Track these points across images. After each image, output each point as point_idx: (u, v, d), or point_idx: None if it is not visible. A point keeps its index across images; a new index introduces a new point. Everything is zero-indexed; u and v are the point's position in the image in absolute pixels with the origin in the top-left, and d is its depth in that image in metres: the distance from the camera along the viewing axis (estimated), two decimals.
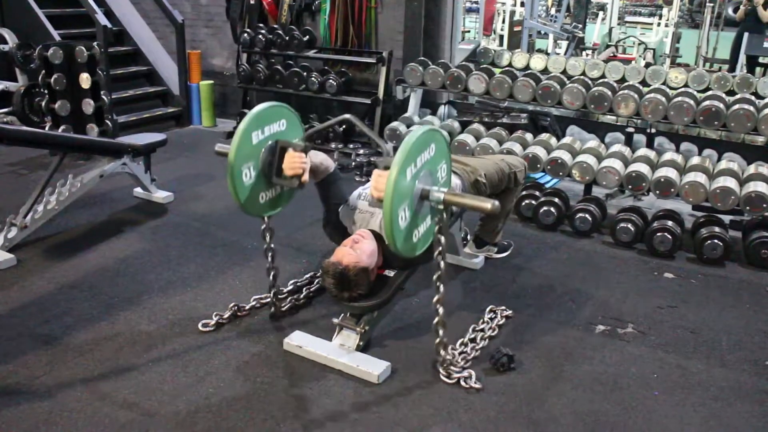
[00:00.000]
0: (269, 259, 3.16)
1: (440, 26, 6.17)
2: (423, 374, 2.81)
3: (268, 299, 3.25)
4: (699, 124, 4.50)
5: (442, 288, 2.67)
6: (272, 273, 3.18)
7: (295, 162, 2.85)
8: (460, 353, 2.91)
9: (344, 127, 6.23)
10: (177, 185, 5.07)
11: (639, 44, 11.51)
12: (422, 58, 5.74)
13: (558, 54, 10.10)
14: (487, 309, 3.31)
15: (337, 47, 6.48)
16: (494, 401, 2.66)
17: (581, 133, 5.37)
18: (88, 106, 5.34)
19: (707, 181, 4.19)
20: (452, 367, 2.78)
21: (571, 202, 4.61)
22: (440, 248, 2.63)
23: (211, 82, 7.15)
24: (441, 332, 2.72)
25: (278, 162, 2.87)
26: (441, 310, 2.70)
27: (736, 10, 10.15)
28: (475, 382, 2.73)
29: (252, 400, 2.62)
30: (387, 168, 2.39)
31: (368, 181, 3.25)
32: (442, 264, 2.64)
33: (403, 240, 2.47)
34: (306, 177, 2.88)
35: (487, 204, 2.49)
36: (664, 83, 5.24)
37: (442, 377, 2.76)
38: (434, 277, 2.66)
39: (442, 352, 2.75)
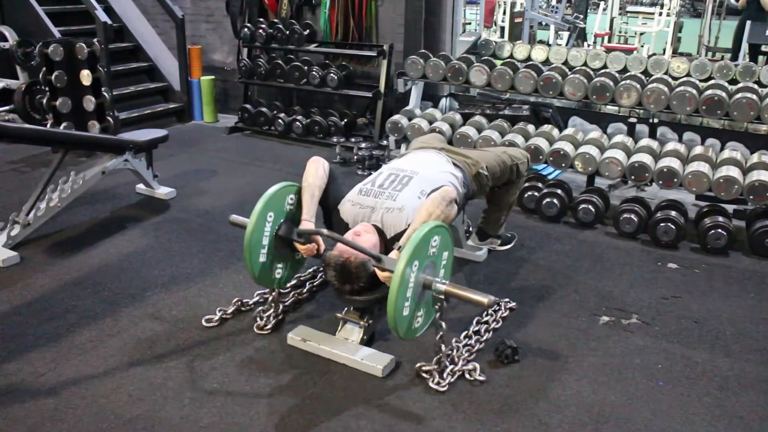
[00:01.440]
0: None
1: (441, 18, 6.16)
2: (427, 367, 2.80)
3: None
4: (701, 114, 4.48)
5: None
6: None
7: (308, 251, 3.00)
8: (464, 345, 2.91)
9: (346, 120, 6.22)
10: (179, 181, 5.07)
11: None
12: (423, 50, 5.72)
13: (559, 45, 10.06)
14: None
15: (337, 41, 6.47)
16: (498, 393, 2.66)
17: (583, 124, 5.36)
18: (90, 102, 5.34)
19: (710, 171, 4.18)
20: (455, 361, 2.79)
21: (573, 193, 4.60)
22: (441, 333, 2.72)
23: (212, 77, 7.14)
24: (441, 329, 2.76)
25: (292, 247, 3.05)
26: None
27: None
28: (479, 375, 2.73)
29: (256, 395, 2.62)
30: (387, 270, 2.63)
31: (369, 174, 3.24)
32: (443, 347, 2.74)
33: (406, 327, 2.61)
34: (321, 248, 2.99)
35: (485, 299, 2.60)
36: (666, 73, 5.22)
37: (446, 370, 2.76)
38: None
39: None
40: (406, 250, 2.51)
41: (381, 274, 2.71)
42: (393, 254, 2.76)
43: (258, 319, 3.13)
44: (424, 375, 2.74)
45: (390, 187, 3.03)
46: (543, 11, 11.63)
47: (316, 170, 3.10)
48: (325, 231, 2.85)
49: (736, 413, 2.57)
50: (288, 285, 3.42)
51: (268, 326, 3.09)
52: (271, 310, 3.14)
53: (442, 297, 2.66)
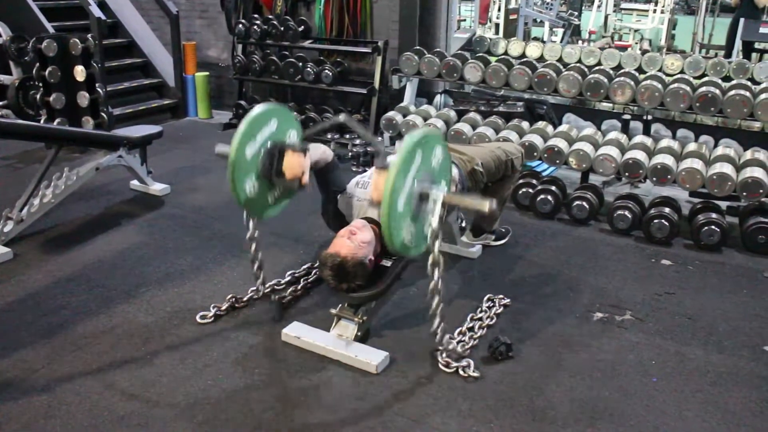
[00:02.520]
0: (256, 259, 3.15)
1: (435, 15, 6.15)
2: (422, 364, 2.81)
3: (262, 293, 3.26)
4: (695, 111, 4.49)
5: (437, 298, 2.66)
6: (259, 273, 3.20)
7: (294, 164, 2.83)
8: (458, 342, 2.91)
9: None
10: (173, 177, 5.06)
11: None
12: (418, 47, 5.72)
13: (554, 42, 10.07)
14: (485, 298, 3.31)
15: (332, 37, 6.46)
16: (493, 390, 2.66)
17: (578, 121, 5.37)
18: (83, 98, 5.32)
19: (704, 168, 4.19)
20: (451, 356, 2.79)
21: (568, 190, 4.60)
22: (437, 239, 2.61)
23: (207, 73, 7.12)
24: (437, 321, 2.71)
25: (278, 164, 2.85)
26: (437, 321, 2.70)
27: None
28: (473, 371, 2.73)
29: (251, 392, 2.62)
30: (384, 168, 2.42)
31: (365, 170, 3.24)
32: (436, 275, 2.63)
33: (401, 240, 2.50)
34: (306, 178, 2.87)
35: (485, 205, 2.52)
36: (660, 70, 5.23)
37: (440, 366, 2.77)
38: (429, 268, 2.64)
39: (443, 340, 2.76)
40: (398, 155, 2.42)
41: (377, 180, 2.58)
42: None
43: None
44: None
45: None
46: (538, 8, 11.62)
47: (324, 148, 3.11)
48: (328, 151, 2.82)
49: (728, 409, 2.58)
50: (282, 282, 3.42)
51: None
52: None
53: (441, 207, 2.57)
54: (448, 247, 3.84)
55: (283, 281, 3.43)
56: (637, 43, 11.72)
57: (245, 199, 2.81)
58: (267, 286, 3.31)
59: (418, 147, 2.48)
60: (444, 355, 2.79)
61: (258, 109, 2.83)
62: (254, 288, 3.27)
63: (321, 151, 3.07)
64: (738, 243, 4.09)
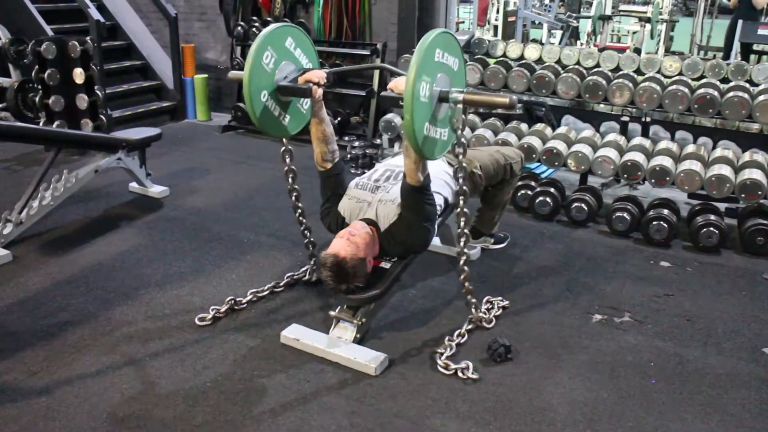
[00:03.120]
0: (293, 199, 3.25)
1: (434, 17, 6.16)
2: (420, 365, 2.81)
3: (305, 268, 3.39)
4: (694, 112, 4.50)
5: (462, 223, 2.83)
6: (304, 232, 3.33)
7: (313, 72, 2.95)
8: (457, 344, 2.92)
9: (339, 119, 6.22)
10: (172, 179, 5.06)
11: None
12: None
13: (552, 44, 10.08)
14: (484, 299, 3.31)
15: (331, 39, 6.46)
16: (491, 391, 2.66)
17: (576, 123, 5.37)
18: (82, 101, 5.32)
19: (702, 169, 4.20)
20: (451, 357, 2.79)
21: (566, 192, 4.61)
22: (462, 149, 2.69)
23: (206, 75, 7.13)
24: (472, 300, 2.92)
25: (294, 79, 2.94)
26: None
27: None
28: (472, 373, 2.74)
29: (250, 394, 2.62)
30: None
31: (363, 173, 3.25)
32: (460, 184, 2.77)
33: (423, 140, 2.52)
34: (319, 90, 2.95)
35: (505, 99, 2.54)
36: (658, 72, 5.23)
37: (439, 368, 2.77)
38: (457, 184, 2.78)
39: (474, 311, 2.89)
40: (415, 55, 2.42)
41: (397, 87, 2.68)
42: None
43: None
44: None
45: (386, 182, 3.06)
46: (536, 10, 11.65)
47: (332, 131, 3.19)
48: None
49: (727, 410, 2.58)
50: (282, 283, 3.43)
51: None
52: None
53: (461, 107, 2.60)
54: (446, 249, 3.85)
55: (281, 283, 3.44)
56: (635, 45, 11.74)
57: (261, 111, 2.85)
58: (267, 287, 3.33)
59: (437, 46, 2.49)
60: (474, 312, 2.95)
61: (273, 26, 2.88)
62: (263, 289, 3.35)
63: (329, 127, 3.14)
64: (737, 245, 4.09)
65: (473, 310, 3.08)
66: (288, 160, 3.17)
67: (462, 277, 2.98)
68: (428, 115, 2.53)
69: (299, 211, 3.27)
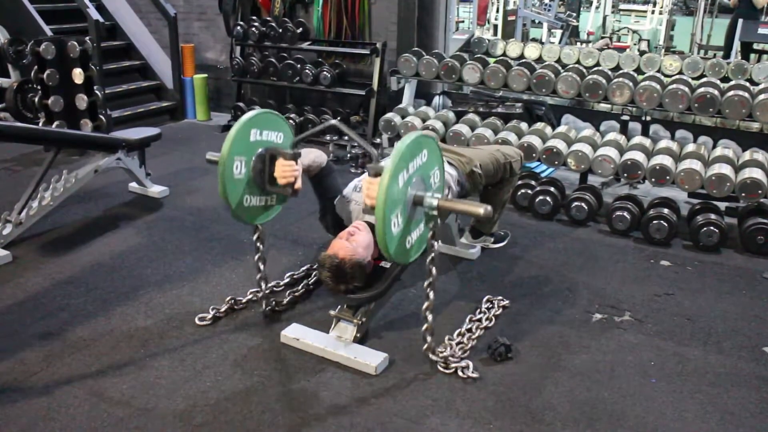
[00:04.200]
0: (261, 267, 3.15)
1: (434, 16, 6.16)
2: (420, 365, 2.81)
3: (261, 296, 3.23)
4: (694, 111, 4.50)
5: (431, 295, 2.70)
6: (263, 279, 3.17)
7: (286, 171, 2.81)
8: (457, 344, 2.91)
9: (339, 119, 6.21)
10: (172, 179, 5.06)
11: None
12: (416, 48, 5.73)
13: (552, 43, 10.07)
14: (484, 299, 3.31)
15: (330, 39, 6.46)
16: (492, 391, 2.66)
17: (576, 122, 5.37)
18: (82, 101, 5.32)
19: (702, 168, 4.19)
20: (450, 358, 2.79)
21: (567, 191, 4.60)
22: (433, 255, 2.64)
23: (205, 75, 7.12)
24: (429, 338, 2.77)
25: (269, 170, 2.83)
26: (430, 317, 2.73)
27: None
28: (472, 372, 2.73)
29: (250, 394, 2.62)
30: (377, 174, 2.38)
31: (363, 173, 3.24)
32: (434, 270, 2.66)
33: (396, 247, 2.45)
34: (299, 184, 2.86)
35: (480, 209, 2.47)
36: (658, 71, 5.23)
37: (439, 367, 2.77)
38: (425, 282, 2.69)
39: (431, 342, 2.78)
40: (391, 159, 2.36)
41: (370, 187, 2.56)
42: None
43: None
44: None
45: None
46: (536, 9, 11.65)
47: (316, 152, 3.11)
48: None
49: (727, 409, 2.58)
50: (282, 283, 3.43)
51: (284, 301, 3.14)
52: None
53: (435, 213, 2.54)
54: (446, 248, 3.85)
55: (282, 283, 3.43)
56: (635, 44, 11.73)
57: (236, 205, 2.79)
58: (267, 287, 3.33)
59: (412, 150, 2.43)
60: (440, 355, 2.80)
61: (249, 114, 2.79)
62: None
63: (313, 156, 3.07)
64: (737, 244, 4.09)
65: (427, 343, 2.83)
66: (261, 247, 3.12)
67: (424, 306, 2.75)
68: (400, 220, 2.45)
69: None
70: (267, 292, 3.20)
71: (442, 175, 2.68)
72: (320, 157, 3.11)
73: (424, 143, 2.51)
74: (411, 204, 2.49)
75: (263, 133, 2.84)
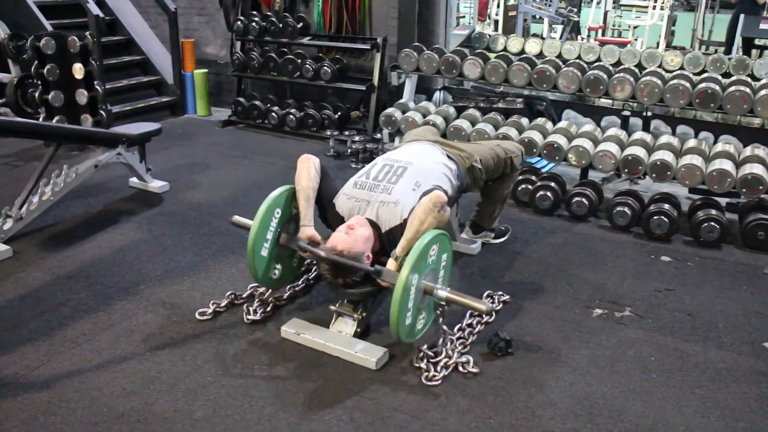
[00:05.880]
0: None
1: (434, 11, 6.15)
2: (421, 360, 2.80)
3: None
4: (695, 107, 4.49)
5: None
6: None
7: (307, 255, 3.04)
8: (458, 338, 2.91)
9: (339, 114, 6.21)
10: (172, 174, 5.06)
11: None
12: (417, 43, 5.72)
13: (553, 38, 10.05)
14: (485, 294, 3.31)
15: (331, 34, 6.46)
16: (492, 386, 2.66)
17: (577, 117, 5.36)
18: (82, 96, 5.31)
19: (703, 164, 4.19)
20: (449, 354, 2.80)
21: (567, 186, 4.60)
22: (443, 337, 2.82)
23: (205, 70, 7.12)
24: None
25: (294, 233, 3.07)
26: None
27: None
28: (473, 367, 2.73)
29: (250, 388, 2.62)
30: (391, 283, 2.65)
31: (363, 168, 3.24)
32: (445, 348, 2.82)
33: (407, 333, 2.71)
34: (318, 238, 3.00)
35: (483, 306, 2.72)
36: (659, 66, 5.22)
37: (439, 363, 2.77)
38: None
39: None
40: (406, 264, 2.58)
41: (382, 283, 2.76)
42: (390, 264, 2.78)
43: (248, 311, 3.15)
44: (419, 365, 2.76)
45: (385, 179, 3.02)
46: (537, 4, 11.61)
47: (308, 172, 3.05)
48: (322, 253, 2.83)
49: (727, 405, 2.58)
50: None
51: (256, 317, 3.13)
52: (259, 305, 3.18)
53: (444, 303, 2.73)
54: None
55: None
56: (636, 39, 11.72)
57: (263, 273, 3.01)
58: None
59: (427, 249, 2.65)
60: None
61: (275, 193, 3.02)
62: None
63: (313, 178, 3.05)
64: (737, 239, 4.09)
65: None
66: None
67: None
68: (413, 309, 2.70)
69: None
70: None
71: (449, 261, 2.89)
72: (315, 179, 3.07)
73: (435, 240, 2.72)
74: (422, 294, 2.72)
75: (279, 214, 3.04)
